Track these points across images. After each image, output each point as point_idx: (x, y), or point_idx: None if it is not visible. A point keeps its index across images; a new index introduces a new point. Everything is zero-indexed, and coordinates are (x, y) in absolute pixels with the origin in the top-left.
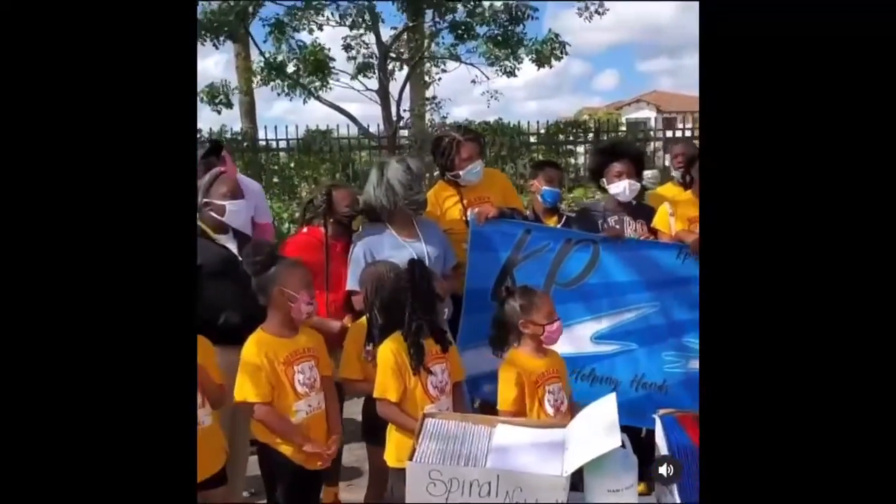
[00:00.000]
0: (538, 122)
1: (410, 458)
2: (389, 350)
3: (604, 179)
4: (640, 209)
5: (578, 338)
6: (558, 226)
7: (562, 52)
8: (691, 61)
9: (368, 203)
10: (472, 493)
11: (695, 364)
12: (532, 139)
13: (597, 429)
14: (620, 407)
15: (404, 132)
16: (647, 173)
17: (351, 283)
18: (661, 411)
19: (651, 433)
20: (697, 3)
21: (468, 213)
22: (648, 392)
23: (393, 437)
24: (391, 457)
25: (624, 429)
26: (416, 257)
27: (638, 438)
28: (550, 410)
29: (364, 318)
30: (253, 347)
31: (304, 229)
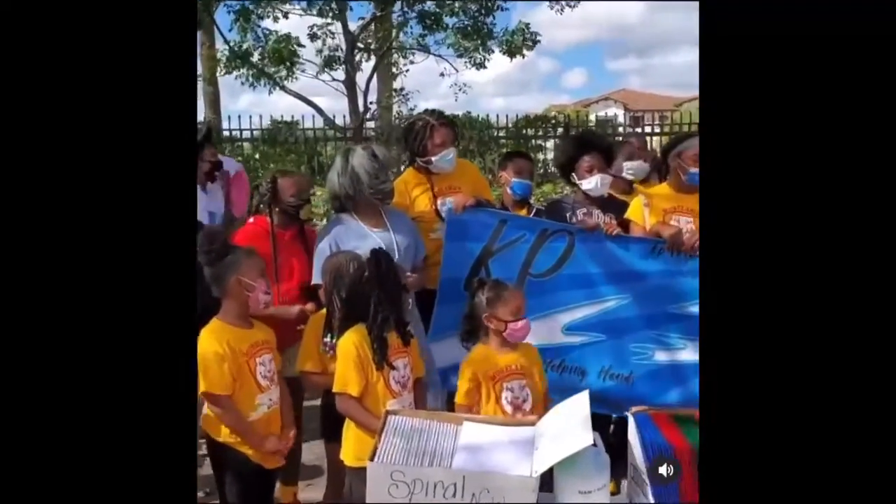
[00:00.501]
0: (507, 117)
1: (372, 458)
2: (352, 342)
3: (573, 174)
4: (610, 202)
5: (551, 329)
6: None
7: (532, 44)
8: (660, 60)
9: (333, 191)
10: (436, 494)
11: (660, 356)
12: (500, 133)
13: (568, 427)
14: (589, 396)
15: (371, 124)
16: (629, 164)
17: (316, 277)
18: (634, 409)
19: (619, 431)
20: (665, 3)
21: (438, 202)
22: (615, 383)
23: (351, 434)
24: (349, 455)
25: (594, 419)
26: (383, 247)
27: (605, 435)
28: (508, 408)
29: (324, 310)
30: (211, 337)
31: (251, 219)
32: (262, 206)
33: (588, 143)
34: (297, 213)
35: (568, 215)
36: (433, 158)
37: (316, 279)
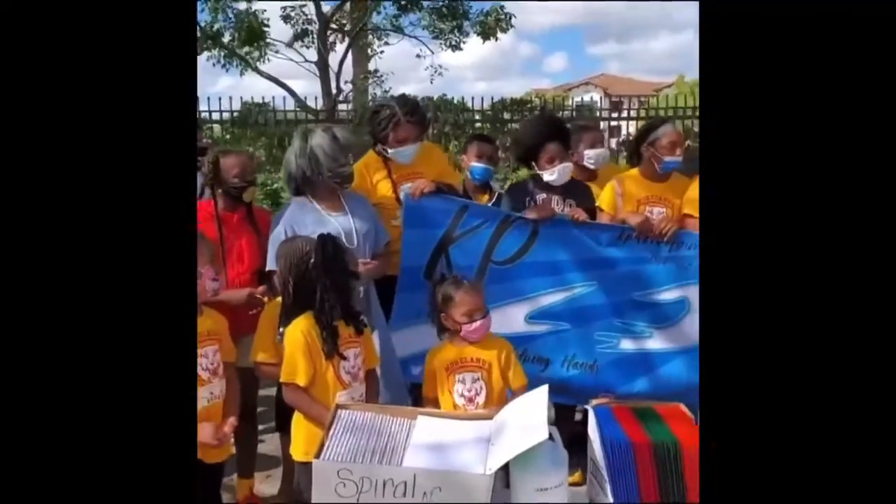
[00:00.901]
0: (482, 100)
1: (318, 455)
2: (300, 330)
3: (534, 163)
4: (572, 188)
5: (513, 317)
6: (489, 203)
7: (507, 25)
8: (639, 46)
9: (290, 173)
10: (385, 493)
11: (626, 345)
12: (477, 117)
13: (524, 422)
14: (550, 385)
15: (344, 106)
16: (590, 152)
17: (270, 263)
18: (594, 402)
19: (586, 420)
20: None
21: (400, 187)
22: (580, 371)
23: (301, 427)
24: (298, 450)
25: (558, 409)
26: (341, 232)
27: (572, 423)
28: (459, 401)
29: (279, 299)
30: None
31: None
32: (205, 188)
33: (548, 132)
34: (239, 195)
35: (527, 200)
36: (390, 151)
37: (270, 265)
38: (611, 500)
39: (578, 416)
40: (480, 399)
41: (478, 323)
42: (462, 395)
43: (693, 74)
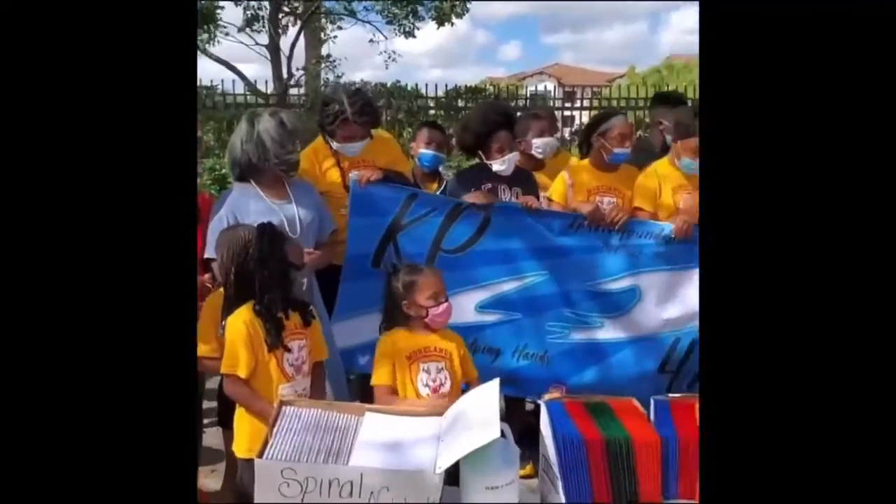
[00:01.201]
0: (437, 87)
1: (261, 454)
2: (242, 320)
3: (481, 152)
4: (518, 176)
5: (462, 307)
6: (438, 191)
7: (462, 10)
8: (593, 36)
9: (234, 158)
10: (331, 492)
11: (577, 335)
12: (431, 104)
13: (476, 418)
14: (501, 376)
15: (295, 91)
16: (538, 141)
17: (209, 250)
18: (547, 396)
19: (538, 413)
20: None
21: (349, 176)
22: (530, 362)
23: (243, 423)
24: (241, 447)
25: (508, 401)
26: (284, 221)
27: (523, 415)
28: (424, 391)
29: (221, 290)
30: None
31: None
32: None
33: (498, 121)
34: None
35: (473, 189)
36: (334, 145)
37: (209, 253)
38: (562, 496)
39: (530, 407)
40: (445, 389)
41: (444, 305)
42: (427, 385)
43: (643, 66)
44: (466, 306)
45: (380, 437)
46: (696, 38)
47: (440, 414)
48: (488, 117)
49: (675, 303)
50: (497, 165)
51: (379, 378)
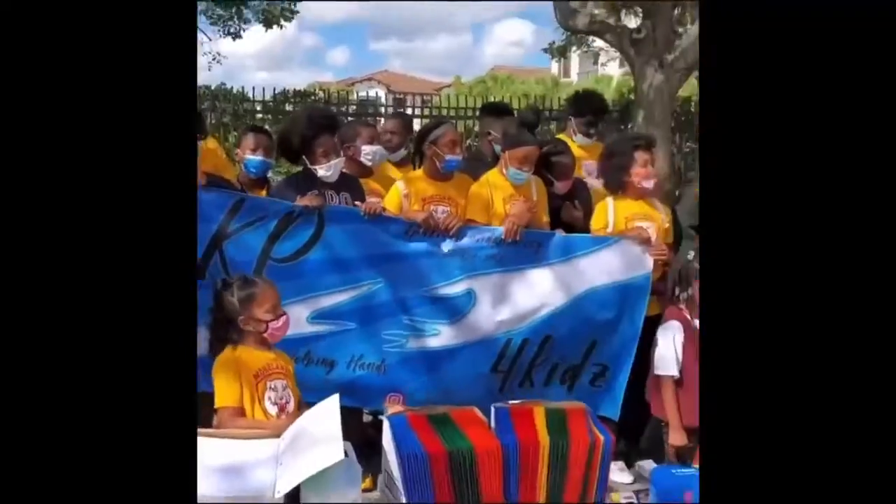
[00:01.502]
0: (264, 90)
1: None
2: None
3: (304, 157)
4: (345, 182)
5: (294, 318)
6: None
7: (291, 14)
8: (422, 44)
9: None
10: None
11: (413, 343)
12: (258, 108)
13: (316, 437)
14: (337, 389)
15: None
16: (367, 149)
17: None
18: (390, 410)
19: (377, 423)
20: None
21: None
22: (366, 372)
23: None
24: None
25: (345, 413)
26: None
27: (361, 426)
28: (272, 409)
29: None
30: None
31: None
32: None
33: (322, 126)
34: None
35: (298, 197)
36: None
37: None
38: None
39: (367, 419)
40: (290, 407)
41: (284, 318)
42: (275, 404)
43: (468, 76)
44: (299, 317)
45: (217, 462)
46: (519, 51)
47: (277, 436)
48: (313, 121)
49: (507, 304)
50: (323, 171)
51: (224, 399)
